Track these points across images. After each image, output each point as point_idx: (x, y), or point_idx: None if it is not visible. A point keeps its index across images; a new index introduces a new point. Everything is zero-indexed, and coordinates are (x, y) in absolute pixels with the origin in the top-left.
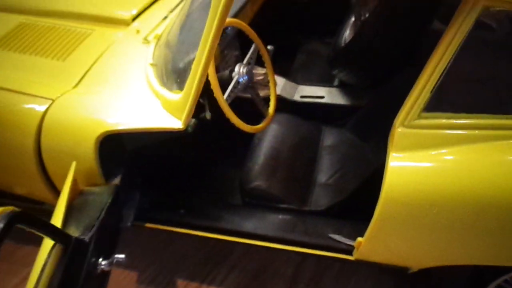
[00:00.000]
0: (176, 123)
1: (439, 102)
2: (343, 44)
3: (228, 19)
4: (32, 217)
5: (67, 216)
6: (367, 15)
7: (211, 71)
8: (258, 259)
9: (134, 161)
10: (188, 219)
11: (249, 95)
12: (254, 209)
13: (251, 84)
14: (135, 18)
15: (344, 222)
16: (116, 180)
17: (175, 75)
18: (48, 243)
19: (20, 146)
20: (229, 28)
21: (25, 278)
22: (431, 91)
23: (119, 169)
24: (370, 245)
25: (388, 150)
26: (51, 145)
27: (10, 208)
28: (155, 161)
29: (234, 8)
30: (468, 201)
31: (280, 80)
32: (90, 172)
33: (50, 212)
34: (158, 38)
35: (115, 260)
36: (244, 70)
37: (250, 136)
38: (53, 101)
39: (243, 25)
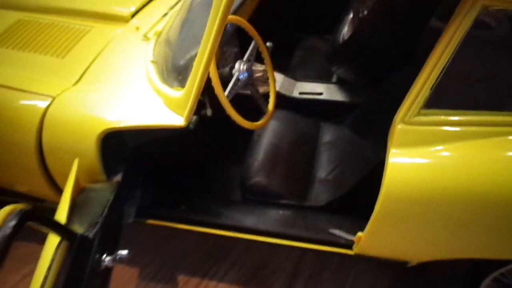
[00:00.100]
0: (178, 120)
1: (439, 99)
2: (341, 41)
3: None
4: (41, 215)
5: (70, 213)
6: (365, 12)
7: (213, 68)
8: (259, 255)
9: (135, 158)
10: (189, 215)
11: (248, 92)
12: (254, 205)
13: (250, 81)
14: (133, 15)
15: (344, 218)
16: (118, 177)
17: (176, 72)
18: (53, 240)
19: (21, 143)
20: (229, 25)
21: (27, 276)
22: (431, 88)
23: (121, 166)
24: (370, 240)
25: (388, 146)
26: (52, 143)
27: (21, 205)
28: (156, 158)
29: (233, 5)
30: (467, 197)
31: (278, 77)
32: (91, 169)
33: (51, 210)
34: (158, 35)
35: (118, 257)
36: (244, 67)
37: (250, 133)
38: (54, 98)
39: (243, 22)
